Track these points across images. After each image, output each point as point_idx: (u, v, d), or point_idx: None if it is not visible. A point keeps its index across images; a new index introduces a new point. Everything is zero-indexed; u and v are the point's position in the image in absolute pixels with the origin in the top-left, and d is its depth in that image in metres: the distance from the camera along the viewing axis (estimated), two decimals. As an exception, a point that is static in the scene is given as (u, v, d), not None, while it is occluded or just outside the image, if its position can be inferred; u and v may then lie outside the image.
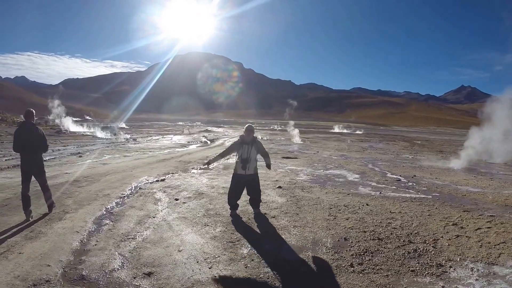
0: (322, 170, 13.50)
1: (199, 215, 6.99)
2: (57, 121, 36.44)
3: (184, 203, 7.92)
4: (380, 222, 6.84)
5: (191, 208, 7.52)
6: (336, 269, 4.79)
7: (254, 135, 7.13)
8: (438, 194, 9.66)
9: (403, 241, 5.85)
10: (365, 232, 6.24)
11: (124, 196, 8.36)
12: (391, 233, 6.20)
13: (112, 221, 6.48)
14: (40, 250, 5.04)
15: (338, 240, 5.81)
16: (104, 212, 7.02)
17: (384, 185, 10.76)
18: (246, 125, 7.14)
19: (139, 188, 9.30)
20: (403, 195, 9.44)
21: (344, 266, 4.86)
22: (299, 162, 15.77)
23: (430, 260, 5.12)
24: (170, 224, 6.38)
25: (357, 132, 59.26)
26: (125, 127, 46.86)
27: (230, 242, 5.61)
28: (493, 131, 17.65)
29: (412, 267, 4.89)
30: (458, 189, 10.55)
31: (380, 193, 9.56)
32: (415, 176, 12.72)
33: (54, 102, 38.99)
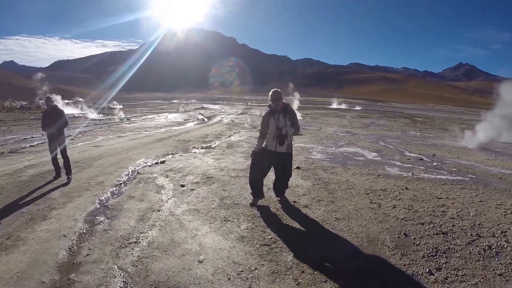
0: (334, 148, 12.46)
1: (213, 206, 5.74)
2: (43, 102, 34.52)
3: (192, 190, 6.68)
4: (433, 211, 5.71)
5: (202, 196, 6.27)
6: (414, 277, 3.67)
7: (277, 104, 5.51)
8: (474, 176, 8.59)
9: (471, 235, 4.78)
10: (423, 224, 5.08)
11: (121, 184, 7.11)
12: (453, 225, 5.09)
13: (108, 218, 5.22)
14: (17, 267, 3.78)
15: (398, 237, 4.64)
16: (98, 206, 5.77)
17: (410, 165, 9.69)
18: (271, 92, 5.55)
19: (137, 173, 8.05)
20: (438, 176, 8.34)
21: (422, 274, 3.74)
22: (306, 139, 14.63)
23: (511, 258, 4.13)
24: (181, 220, 5.12)
25: (356, 108, 57.82)
26: (119, 106, 45.18)
27: (264, 245, 4.35)
28: (504, 111, 17.13)
29: (496, 269, 3.89)
30: (489, 170, 9.49)
31: (412, 174, 8.46)
32: (435, 155, 11.67)
33: (37, 82, 37.08)
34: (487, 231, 4.94)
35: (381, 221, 5.16)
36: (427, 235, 4.71)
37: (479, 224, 5.17)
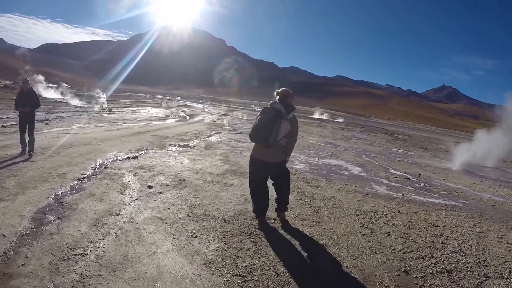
0: (317, 159, 11.82)
1: (181, 216, 4.90)
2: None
3: (160, 193, 5.84)
4: (432, 241, 5.02)
5: (170, 202, 5.43)
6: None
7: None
8: (466, 202, 8.02)
9: (478, 275, 4.13)
10: (423, 259, 4.38)
11: (84, 178, 6.31)
12: (457, 262, 4.42)
13: (58, 218, 4.38)
14: None
15: (398, 274, 3.90)
16: (52, 202, 4.94)
17: (398, 184, 9.08)
18: (286, 92, 4.86)
19: (105, 167, 7.26)
20: (430, 200, 7.72)
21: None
22: (288, 147, 13.91)
23: (522, 306, 3.47)
24: (140, 231, 4.25)
25: (338, 120, 57.63)
26: (102, 95, 44.01)
27: (237, 275, 3.49)
28: (492, 136, 17.04)
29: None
30: (479, 196, 8.97)
31: (402, 195, 7.81)
32: (420, 174, 11.15)
33: (20, 59, 35.82)
34: (494, 270, 4.32)
35: (376, 252, 4.41)
36: (430, 273, 4.00)
37: (484, 262, 4.53)
